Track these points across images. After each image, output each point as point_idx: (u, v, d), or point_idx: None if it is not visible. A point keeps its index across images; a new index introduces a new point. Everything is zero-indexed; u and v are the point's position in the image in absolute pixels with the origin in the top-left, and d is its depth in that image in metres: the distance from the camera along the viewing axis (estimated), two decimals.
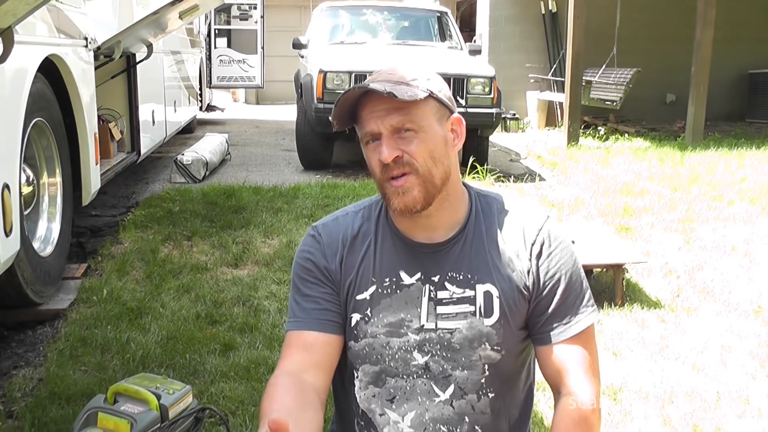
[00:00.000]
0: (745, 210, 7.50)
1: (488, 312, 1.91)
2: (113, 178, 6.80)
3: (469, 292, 1.92)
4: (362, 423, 2.00)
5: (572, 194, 8.25)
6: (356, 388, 1.99)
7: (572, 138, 12.18)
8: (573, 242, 5.12)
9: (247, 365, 3.97)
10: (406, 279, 1.95)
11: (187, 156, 8.96)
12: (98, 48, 5.96)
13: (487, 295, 1.91)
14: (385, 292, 1.95)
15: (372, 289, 1.96)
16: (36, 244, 4.76)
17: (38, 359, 4.19)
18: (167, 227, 6.47)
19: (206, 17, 14.97)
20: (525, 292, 1.93)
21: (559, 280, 1.94)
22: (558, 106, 14.60)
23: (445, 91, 1.92)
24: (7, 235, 3.93)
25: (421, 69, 1.92)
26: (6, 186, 3.94)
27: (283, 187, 8.15)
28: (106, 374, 3.88)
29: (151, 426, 2.49)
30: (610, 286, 5.18)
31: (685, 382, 3.92)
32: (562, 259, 1.96)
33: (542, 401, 3.64)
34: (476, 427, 1.94)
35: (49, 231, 5.05)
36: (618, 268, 5.06)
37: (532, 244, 1.95)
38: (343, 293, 1.98)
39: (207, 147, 9.66)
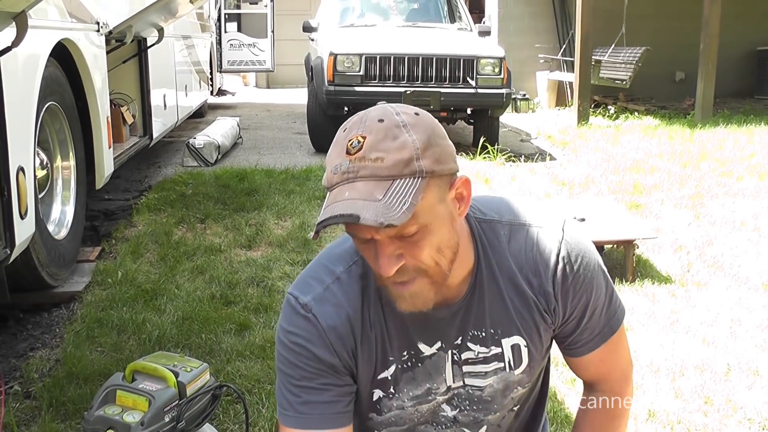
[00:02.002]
0: (754, 185, 7.52)
1: (517, 363, 1.76)
2: (126, 162, 6.84)
3: (495, 350, 1.74)
4: None
5: (582, 172, 8.27)
6: None
7: (582, 117, 12.18)
8: (584, 219, 5.17)
9: (263, 344, 4.02)
10: (426, 350, 1.73)
11: (199, 140, 8.99)
12: (110, 32, 6.00)
13: (515, 348, 1.75)
14: (405, 366, 1.74)
15: (393, 368, 1.74)
16: (50, 227, 4.81)
17: (54, 341, 4.24)
18: (180, 210, 6.51)
19: (216, 1, 14.97)
20: (551, 327, 1.77)
21: (586, 302, 1.75)
22: (568, 86, 14.57)
23: (445, 152, 1.53)
24: (22, 217, 3.98)
25: (413, 133, 1.49)
26: (21, 169, 3.99)
27: (295, 169, 8.18)
28: (123, 354, 3.92)
29: (170, 403, 2.52)
30: (620, 262, 5.21)
31: (696, 355, 3.96)
32: (587, 278, 1.73)
33: (554, 375, 3.68)
34: None
35: (63, 214, 5.10)
36: (629, 244, 5.09)
37: (554, 276, 1.70)
38: (360, 378, 1.74)
39: (219, 131, 9.69)
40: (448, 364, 1.74)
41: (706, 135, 10.64)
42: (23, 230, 4.00)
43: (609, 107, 13.88)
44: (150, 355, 2.83)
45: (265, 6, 15.99)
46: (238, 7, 16.07)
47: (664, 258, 5.48)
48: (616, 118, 13.09)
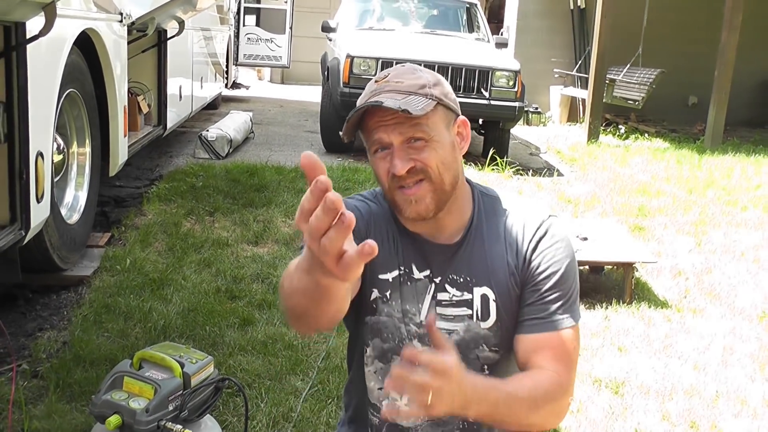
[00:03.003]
0: (757, 217, 7.59)
1: (485, 315, 1.94)
2: (138, 151, 6.92)
3: (467, 295, 1.95)
4: (367, 398, 2.09)
5: (589, 191, 8.34)
6: (365, 365, 2.06)
7: (592, 135, 12.24)
8: (586, 239, 5.26)
9: (265, 340, 4.11)
10: (416, 273, 1.97)
11: (212, 132, 9.06)
12: (132, 23, 6.08)
13: (484, 299, 1.94)
14: (401, 280, 1.98)
15: (395, 273, 1.97)
16: (63, 211, 4.91)
17: (62, 323, 4.34)
18: (190, 202, 6.60)
19: None
20: (518, 290, 1.94)
21: (548, 276, 1.92)
22: (580, 102, 14.63)
23: (450, 95, 1.93)
24: (38, 201, 4.08)
25: (427, 73, 1.93)
26: (40, 154, 4.09)
27: None
28: (129, 341, 4.02)
29: (174, 392, 2.60)
30: (619, 283, 5.29)
31: (686, 380, 4.04)
32: (557, 257, 1.94)
33: None
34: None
35: (76, 199, 5.20)
36: (628, 267, 5.17)
37: (530, 240, 1.95)
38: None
39: (231, 124, 9.75)
40: (428, 297, 1.98)
41: (715, 162, 10.71)
42: (39, 213, 4.10)
43: (620, 126, 13.95)
44: (157, 344, 2.91)
45: (285, 2, 16.06)
46: (258, 1, 16.13)
47: (662, 282, 5.56)
48: (626, 138, 13.16)
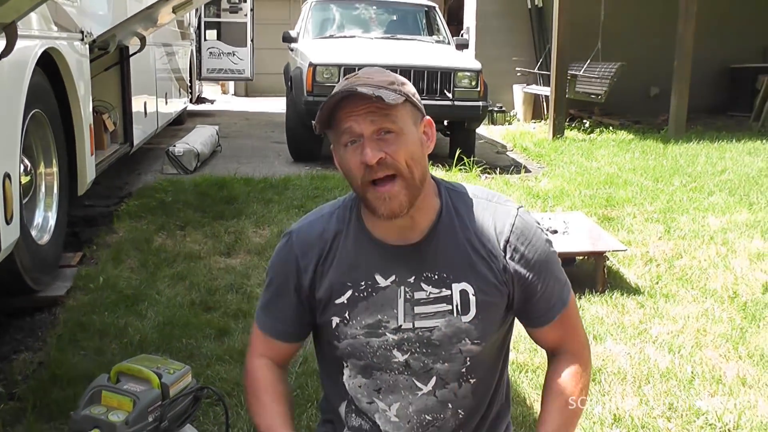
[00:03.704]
0: (723, 200, 7.67)
1: (465, 309, 1.97)
2: (106, 169, 6.91)
3: (445, 292, 1.98)
4: (352, 407, 2.10)
5: (556, 186, 8.40)
6: (345, 377, 2.09)
7: (557, 130, 12.34)
8: (555, 231, 5.30)
9: (242, 348, 4.10)
10: (381, 282, 2.00)
11: (179, 147, 9.06)
12: (94, 41, 6.07)
13: (463, 294, 1.97)
14: (361, 295, 2.00)
15: (349, 293, 2.01)
16: (34, 233, 4.87)
17: (37, 344, 4.30)
18: (160, 217, 6.59)
19: (196, 10, 15.03)
20: (502, 288, 2.00)
21: (540, 270, 2.01)
22: (544, 99, 14.73)
23: (417, 95, 1.98)
24: (7, 223, 4.05)
25: (394, 74, 1.97)
26: (7, 175, 4.06)
27: (273, 178, 8.27)
28: (106, 358, 3.99)
29: (153, 403, 2.59)
30: (591, 273, 5.32)
31: (662, 364, 4.08)
32: (538, 250, 2.01)
33: (524, 382, 3.79)
34: (459, 411, 2.04)
35: (45, 220, 5.17)
36: (599, 256, 5.22)
37: (507, 242, 1.99)
38: (320, 297, 2.05)
39: (198, 138, 9.77)
40: (401, 301, 1.99)
41: (679, 150, 10.83)
42: (8, 236, 4.07)
43: (584, 121, 14.06)
44: (133, 357, 2.91)
45: (245, 15, 16.08)
46: (218, 15, 16.14)
47: (634, 270, 5.61)
48: (591, 132, 13.27)
